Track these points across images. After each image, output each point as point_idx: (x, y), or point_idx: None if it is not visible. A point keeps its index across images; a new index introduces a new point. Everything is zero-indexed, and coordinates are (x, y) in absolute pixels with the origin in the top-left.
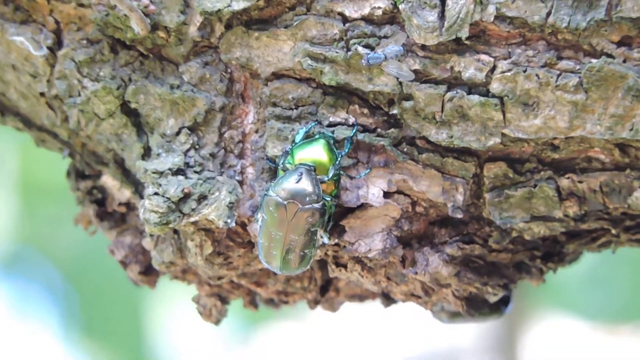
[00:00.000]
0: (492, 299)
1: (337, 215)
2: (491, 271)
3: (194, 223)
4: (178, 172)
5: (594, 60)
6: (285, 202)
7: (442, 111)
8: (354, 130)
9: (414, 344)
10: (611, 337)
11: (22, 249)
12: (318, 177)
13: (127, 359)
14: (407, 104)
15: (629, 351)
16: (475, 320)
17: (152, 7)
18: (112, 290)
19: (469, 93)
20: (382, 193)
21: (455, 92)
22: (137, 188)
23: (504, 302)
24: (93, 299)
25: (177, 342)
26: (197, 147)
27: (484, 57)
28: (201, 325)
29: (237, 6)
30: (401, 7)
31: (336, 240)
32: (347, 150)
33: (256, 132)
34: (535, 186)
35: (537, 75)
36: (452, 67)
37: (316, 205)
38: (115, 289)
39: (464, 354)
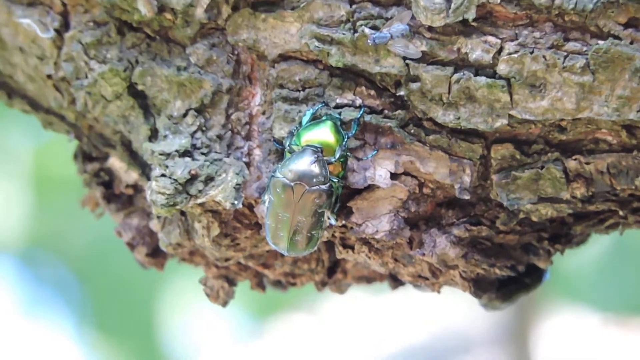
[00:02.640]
0: (542, 265)
1: (344, 197)
2: (498, 252)
3: (201, 205)
4: (185, 153)
5: (600, 42)
6: (292, 184)
7: (449, 93)
8: (361, 112)
9: (424, 334)
10: (622, 330)
11: (35, 245)
12: (325, 158)
13: (140, 355)
14: (414, 86)
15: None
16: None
17: None
18: (125, 286)
19: (476, 75)
20: (389, 174)
21: (462, 73)
22: (144, 170)
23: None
24: (106, 296)
25: (189, 337)
26: (204, 128)
27: (490, 38)
28: (213, 319)
29: None
30: None
31: (343, 222)
32: (354, 132)
33: (263, 113)
34: (542, 168)
35: (544, 56)
36: (459, 49)
37: (323, 187)
38: (128, 284)
39: (475, 345)
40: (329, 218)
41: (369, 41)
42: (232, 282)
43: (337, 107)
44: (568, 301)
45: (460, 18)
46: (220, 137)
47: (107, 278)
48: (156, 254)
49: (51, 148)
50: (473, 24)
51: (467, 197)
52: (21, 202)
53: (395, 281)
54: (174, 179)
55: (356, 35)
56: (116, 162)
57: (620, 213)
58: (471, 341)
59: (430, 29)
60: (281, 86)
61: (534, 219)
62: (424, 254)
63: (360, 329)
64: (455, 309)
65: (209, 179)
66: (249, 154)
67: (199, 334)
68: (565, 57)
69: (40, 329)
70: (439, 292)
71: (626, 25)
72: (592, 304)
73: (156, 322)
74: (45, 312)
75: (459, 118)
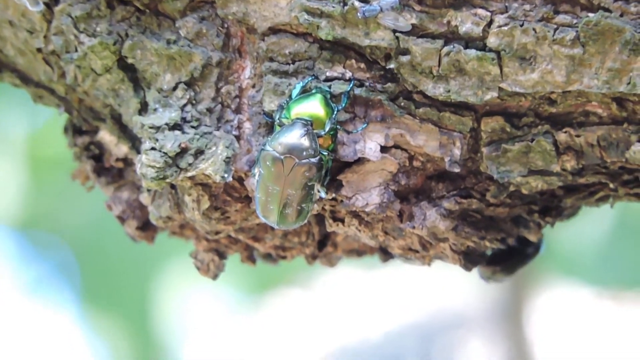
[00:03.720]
0: (532, 238)
1: (334, 170)
2: (489, 225)
3: (191, 178)
4: (175, 127)
5: (591, 14)
6: (282, 157)
7: (439, 66)
8: (351, 85)
9: (418, 311)
10: (616, 304)
11: (33, 224)
12: (315, 131)
13: (138, 331)
14: (404, 59)
15: (634, 318)
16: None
17: None
18: (122, 264)
19: (466, 47)
20: (379, 147)
21: (452, 46)
22: (134, 143)
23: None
24: (104, 273)
25: (186, 313)
26: (194, 102)
27: (480, 11)
28: (209, 296)
29: None
30: None
31: (333, 195)
32: (344, 105)
33: (253, 87)
34: (532, 140)
35: (534, 29)
36: (448, 22)
37: (313, 160)
38: (126, 262)
39: (469, 320)
40: (319, 191)
41: (358, 14)
42: (222, 256)
43: (327, 80)
44: (561, 276)
45: None
46: (210, 110)
47: (105, 255)
48: (146, 227)
49: (46, 131)
50: None
51: (457, 170)
52: (17, 182)
53: (386, 254)
54: (164, 152)
55: (346, 8)
56: (106, 136)
57: (611, 186)
58: (465, 317)
59: (420, 1)
60: (271, 59)
61: (524, 191)
62: (414, 227)
63: (355, 305)
64: (449, 285)
65: (199, 152)
66: (239, 127)
67: (195, 311)
68: (555, 29)
69: (39, 306)
70: (429, 265)
71: None
72: (586, 279)
73: (153, 298)
74: (43, 289)
75: (449, 91)
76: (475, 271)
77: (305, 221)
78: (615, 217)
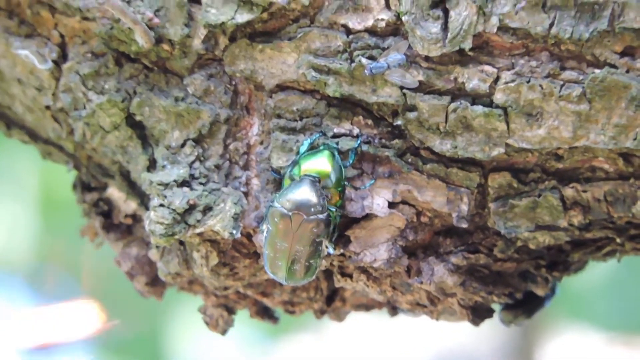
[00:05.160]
0: (540, 292)
1: (342, 226)
2: (496, 280)
3: (200, 234)
4: (183, 183)
5: (597, 71)
6: (290, 213)
7: (446, 122)
8: (359, 141)
9: (429, 355)
10: (628, 348)
11: (44, 267)
12: (323, 188)
13: None
14: (411, 115)
15: None
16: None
17: (156, 20)
18: (135, 304)
19: (473, 104)
20: (387, 203)
21: (459, 102)
22: (143, 200)
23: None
24: (116, 314)
25: (198, 355)
26: (202, 158)
27: (487, 67)
28: (221, 341)
29: (241, 19)
30: (404, 18)
31: (341, 251)
32: (351, 161)
33: (261, 143)
34: (539, 196)
35: (540, 85)
36: (455, 78)
37: (321, 216)
38: (138, 302)
39: None
40: (327, 247)
41: (366, 71)
42: (231, 311)
43: (335, 136)
44: (572, 320)
45: (457, 48)
46: (218, 167)
47: (116, 294)
48: (155, 283)
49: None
50: (470, 53)
51: (464, 225)
52: (28, 220)
53: (394, 309)
54: (173, 209)
55: (353, 65)
56: (115, 192)
57: (618, 240)
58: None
59: (427, 58)
60: (279, 116)
61: (532, 246)
62: (422, 282)
63: (366, 349)
64: (459, 327)
65: (207, 209)
66: (247, 184)
67: (207, 355)
68: (562, 85)
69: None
70: (437, 319)
71: (622, 54)
72: (597, 324)
73: (166, 341)
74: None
75: (456, 147)
76: None
77: (314, 277)
78: (625, 260)
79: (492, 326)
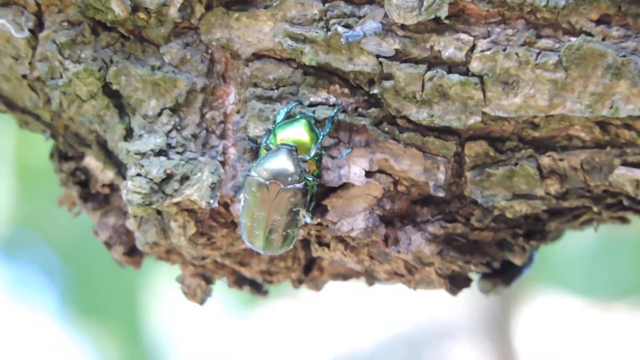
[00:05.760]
0: (518, 262)
1: (319, 195)
2: (474, 249)
3: (177, 204)
4: (160, 153)
5: (573, 39)
6: (268, 183)
7: (422, 90)
8: (335, 110)
9: (408, 322)
10: (606, 313)
11: (19, 232)
12: (300, 157)
13: (124, 336)
14: (388, 84)
15: (623, 327)
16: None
17: None
18: (108, 270)
19: (449, 72)
20: (363, 172)
21: (435, 71)
22: (120, 169)
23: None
24: (89, 279)
25: (172, 320)
26: (178, 128)
27: (463, 36)
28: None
29: None
30: None
31: (319, 220)
32: (328, 130)
33: (237, 112)
34: (516, 164)
35: (516, 53)
36: (431, 47)
37: (298, 185)
38: (111, 268)
39: (458, 330)
40: (304, 216)
41: (342, 39)
42: (209, 281)
43: (311, 105)
44: (549, 286)
45: (433, 16)
46: (195, 136)
47: (93, 261)
48: (133, 253)
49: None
50: (445, 21)
51: (441, 194)
52: (4, 185)
53: (372, 278)
54: (150, 178)
55: (329, 33)
56: (92, 162)
57: (594, 209)
58: (454, 327)
59: (403, 27)
60: (255, 85)
61: (509, 215)
62: (399, 252)
63: (345, 316)
64: (438, 295)
65: (185, 178)
66: (224, 153)
67: (184, 318)
68: (538, 54)
69: (25, 312)
70: (415, 289)
71: (598, 22)
72: (574, 289)
73: (140, 302)
74: (29, 294)
75: (432, 116)
76: None
77: (291, 246)
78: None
79: (470, 293)
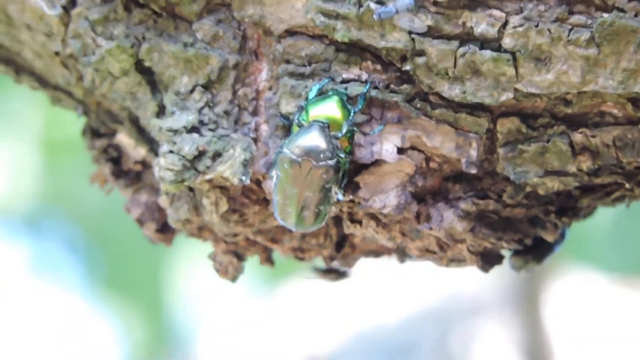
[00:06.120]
0: (549, 238)
1: (351, 172)
2: (506, 226)
3: (209, 181)
4: (192, 129)
5: (605, 15)
6: (300, 159)
7: (454, 67)
8: (367, 87)
9: (434, 296)
10: (632, 290)
11: (45, 207)
12: (332, 133)
13: (149, 312)
14: (420, 60)
15: None
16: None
17: None
18: (134, 246)
19: (481, 48)
20: (395, 149)
21: (467, 47)
22: (152, 146)
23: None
24: (114, 255)
25: (198, 296)
26: (211, 104)
27: (495, 12)
28: (222, 282)
29: None
30: None
31: (351, 197)
32: (360, 107)
33: (270, 89)
34: (548, 141)
35: (549, 30)
36: (464, 23)
37: (330, 162)
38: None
39: (485, 306)
40: (336, 193)
41: (374, 16)
42: (241, 257)
43: (344, 82)
44: (576, 262)
45: None
46: (227, 113)
47: (116, 235)
48: (165, 230)
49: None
50: None
51: (473, 171)
52: (30, 160)
53: (403, 255)
54: (182, 155)
55: (361, 10)
56: (124, 139)
57: (627, 186)
58: (481, 302)
59: (435, 3)
60: (287, 61)
61: (541, 192)
62: (431, 228)
63: (371, 291)
64: (465, 271)
65: (217, 155)
66: (256, 130)
67: (208, 295)
68: (570, 30)
69: (50, 287)
70: (446, 266)
71: None
72: (601, 265)
73: (166, 279)
74: (54, 269)
75: (464, 92)
76: None
77: (323, 223)
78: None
79: (497, 268)
